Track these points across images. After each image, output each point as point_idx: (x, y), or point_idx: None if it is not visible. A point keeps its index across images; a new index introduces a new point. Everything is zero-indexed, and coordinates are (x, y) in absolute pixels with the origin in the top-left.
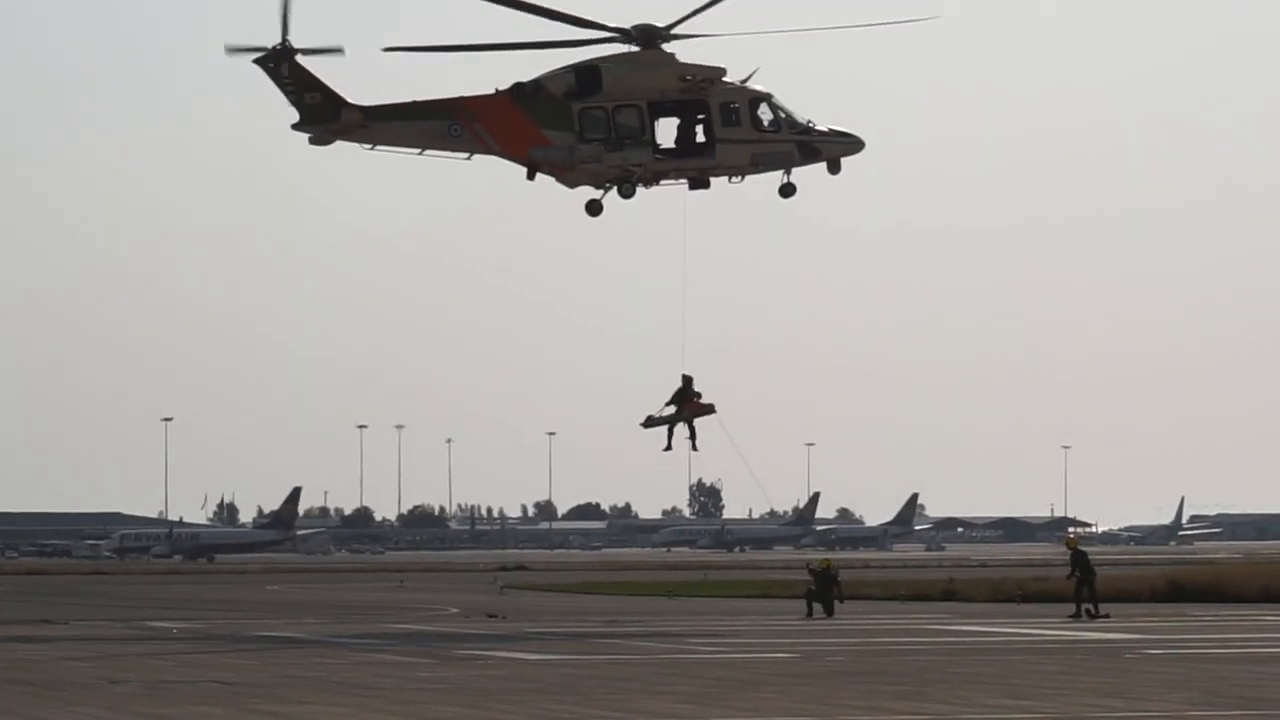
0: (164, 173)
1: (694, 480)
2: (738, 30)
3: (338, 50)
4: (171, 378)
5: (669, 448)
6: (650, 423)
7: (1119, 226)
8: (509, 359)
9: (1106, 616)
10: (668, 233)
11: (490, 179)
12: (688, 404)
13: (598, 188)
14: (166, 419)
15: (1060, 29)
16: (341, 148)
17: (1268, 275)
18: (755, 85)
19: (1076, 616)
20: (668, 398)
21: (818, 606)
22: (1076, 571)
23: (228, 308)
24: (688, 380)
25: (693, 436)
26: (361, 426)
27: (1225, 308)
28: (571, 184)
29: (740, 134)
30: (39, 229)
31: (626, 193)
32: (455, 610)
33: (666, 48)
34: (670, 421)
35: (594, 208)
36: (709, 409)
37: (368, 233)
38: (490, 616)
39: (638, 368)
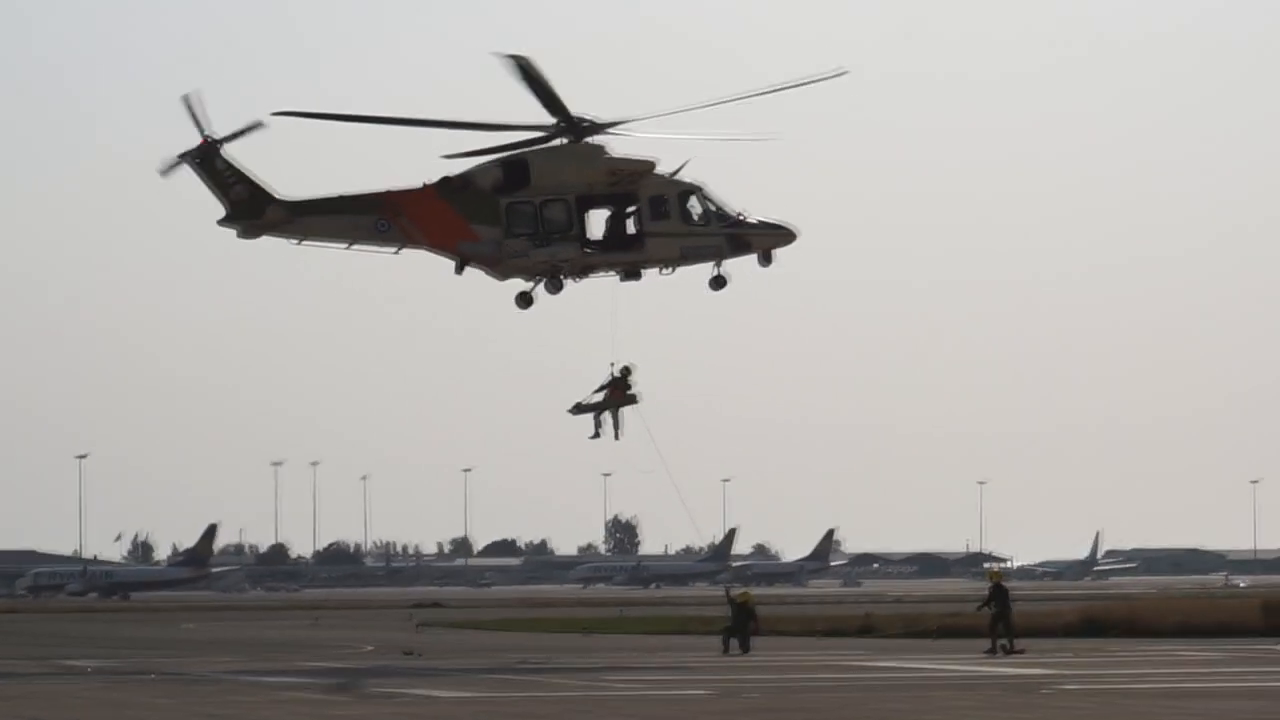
0: (78, 208)
1: (610, 516)
2: (670, 115)
3: (259, 125)
4: (86, 415)
5: (597, 435)
6: (578, 409)
7: (1030, 266)
8: (424, 395)
9: (1022, 651)
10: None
11: None
12: (615, 392)
13: (527, 279)
14: (81, 456)
15: (996, 73)
16: None
17: (1176, 313)
18: (685, 177)
19: (992, 652)
20: (597, 385)
21: (734, 642)
22: (992, 605)
23: (142, 344)
24: (626, 370)
25: (616, 426)
26: (276, 463)
27: (1137, 346)
28: (501, 276)
29: (670, 227)
30: None
31: (554, 288)
32: (371, 648)
33: (598, 139)
34: (598, 409)
35: (524, 300)
36: (632, 399)
37: (282, 269)
38: (406, 654)
39: (554, 404)
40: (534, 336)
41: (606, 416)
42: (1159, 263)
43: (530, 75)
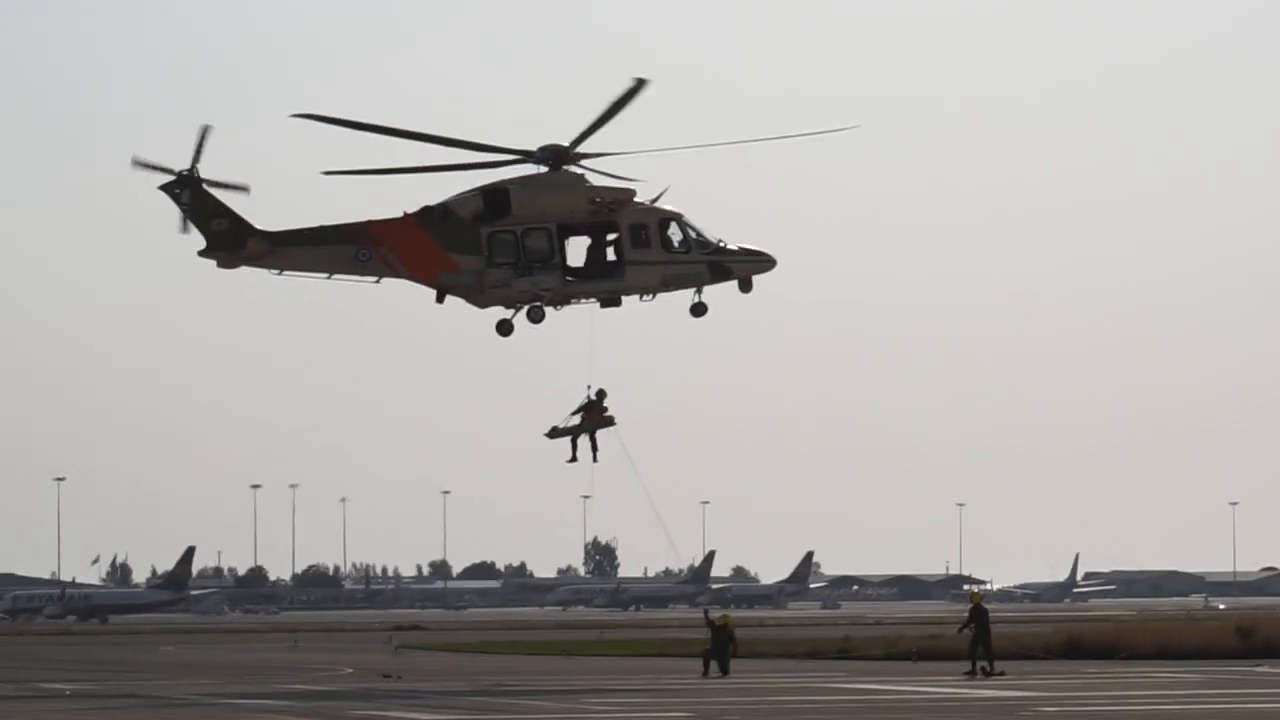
0: (55, 229)
1: (589, 539)
2: (648, 148)
3: (243, 189)
4: (64, 437)
5: (574, 459)
6: (555, 433)
7: (1010, 290)
8: (403, 418)
9: (1002, 674)
10: None
11: None
12: (592, 415)
13: (508, 308)
14: (59, 479)
15: (974, 98)
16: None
17: (1154, 336)
18: (665, 204)
19: (972, 674)
20: (573, 408)
21: (713, 665)
22: (971, 626)
23: (120, 366)
24: (600, 394)
25: (594, 448)
26: (255, 486)
27: (1116, 368)
28: (481, 305)
29: (650, 255)
30: None
31: (535, 317)
32: (350, 671)
33: (576, 168)
34: (574, 432)
35: (504, 328)
36: (610, 421)
37: (260, 292)
38: (385, 677)
39: (533, 427)
40: (512, 359)
41: (583, 439)
42: (1138, 287)
43: (626, 100)
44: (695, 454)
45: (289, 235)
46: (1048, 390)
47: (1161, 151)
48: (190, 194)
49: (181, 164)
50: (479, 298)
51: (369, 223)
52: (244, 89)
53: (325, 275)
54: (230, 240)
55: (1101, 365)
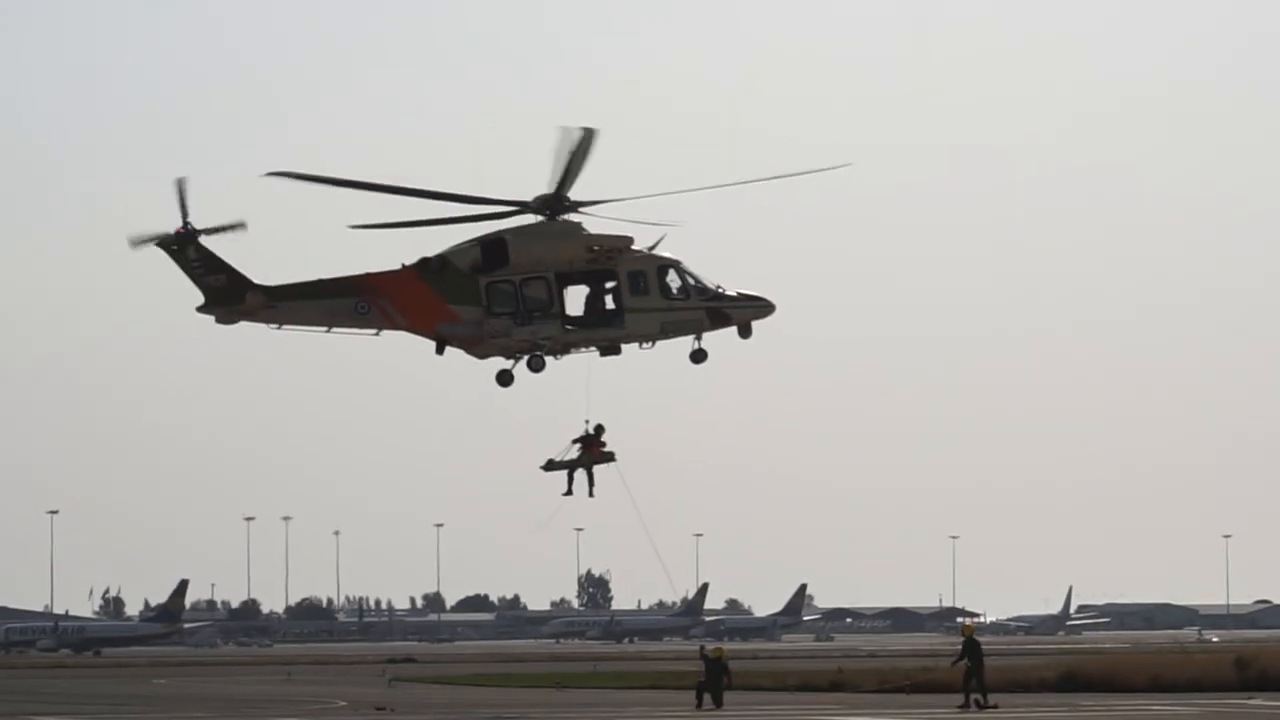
0: (47, 265)
1: (583, 571)
2: (645, 194)
3: (240, 226)
4: (57, 470)
5: (569, 492)
6: (551, 466)
7: (1001, 323)
8: (396, 450)
9: (995, 707)
10: None
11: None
12: (591, 449)
13: (508, 358)
14: (52, 512)
15: (961, 141)
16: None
17: (1147, 370)
18: (663, 251)
19: (965, 707)
20: (572, 439)
21: (707, 697)
22: (965, 659)
23: (114, 399)
24: (599, 429)
25: (591, 483)
26: (249, 518)
27: (1109, 402)
28: (481, 356)
29: (649, 302)
30: None
31: (536, 366)
32: (343, 703)
33: (573, 216)
34: (571, 466)
35: (505, 378)
36: (610, 457)
37: (252, 325)
38: (379, 709)
39: (526, 459)
40: (506, 393)
41: (579, 473)
42: (1131, 321)
43: (581, 150)
44: (689, 487)
45: (287, 289)
46: (1041, 423)
47: (1154, 190)
48: (190, 251)
49: (172, 224)
50: (479, 348)
51: (367, 275)
52: (236, 133)
53: (324, 329)
54: (228, 295)
55: (1095, 399)
